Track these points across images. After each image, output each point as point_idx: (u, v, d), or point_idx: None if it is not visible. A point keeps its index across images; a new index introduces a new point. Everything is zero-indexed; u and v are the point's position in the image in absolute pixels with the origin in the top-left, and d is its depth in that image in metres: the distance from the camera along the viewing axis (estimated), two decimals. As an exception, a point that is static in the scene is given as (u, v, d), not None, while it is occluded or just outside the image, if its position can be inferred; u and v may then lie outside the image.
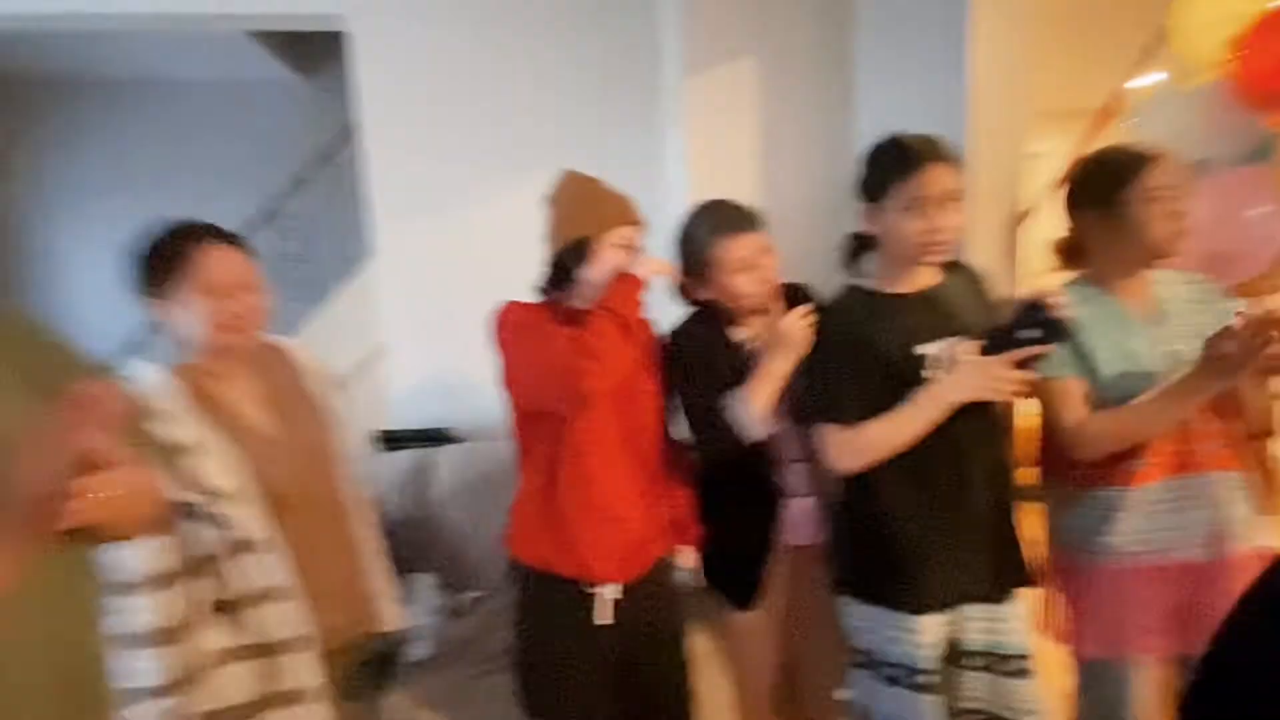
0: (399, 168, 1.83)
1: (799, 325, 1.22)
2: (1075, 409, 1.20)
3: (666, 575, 1.35)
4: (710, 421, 1.28)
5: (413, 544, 1.80)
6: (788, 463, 1.35)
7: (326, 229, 3.62)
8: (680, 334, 1.35)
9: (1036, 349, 1.07)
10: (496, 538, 1.32)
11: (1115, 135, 1.62)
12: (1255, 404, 2.70)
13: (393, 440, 1.81)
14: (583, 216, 1.23)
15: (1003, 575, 1.24)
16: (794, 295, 1.42)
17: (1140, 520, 1.21)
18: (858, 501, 1.25)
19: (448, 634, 1.71)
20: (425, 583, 1.77)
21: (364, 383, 2.19)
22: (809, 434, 1.26)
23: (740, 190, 1.47)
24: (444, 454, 1.80)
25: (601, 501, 1.24)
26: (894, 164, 1.15)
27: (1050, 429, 1.27)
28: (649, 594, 1.29)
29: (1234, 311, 1.19)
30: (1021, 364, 1.09)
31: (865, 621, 1.25)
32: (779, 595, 1.38)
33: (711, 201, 1.33)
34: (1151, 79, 1.66)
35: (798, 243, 1.48)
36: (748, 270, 1.27)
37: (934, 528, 1.19)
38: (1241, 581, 1.29)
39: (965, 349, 1.15)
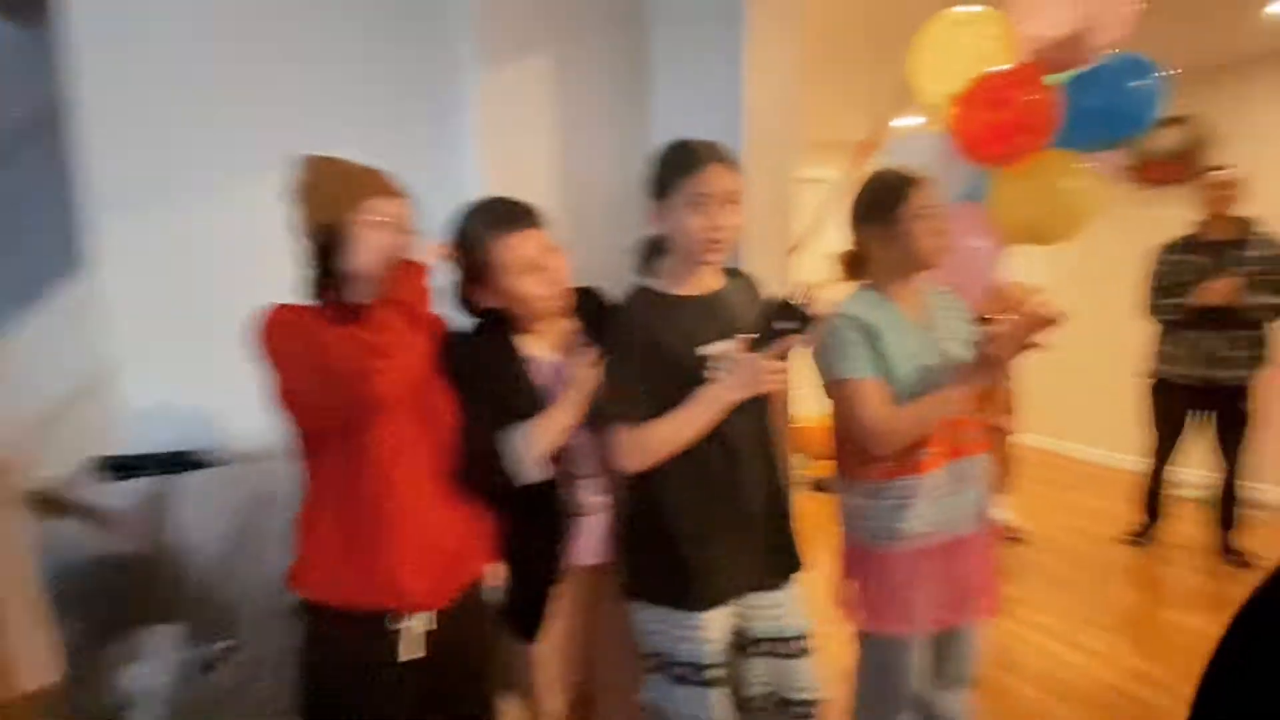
0: (123, 151, 1.47)
1: (591, 372, 1.21)
2: (877, 407, 1.29)
3: (479, 596, 1.26)
4: (481, 454, 1.19)
5: (147, 590, 1.50)
6: (581, 478, 1.32)
7: (39, 217, 2.95)
8: (459, 346, 1.25)
9: (793, 340, 1.16)
10: (256, 575, 1.13)
11: (872, 167, 1.81)
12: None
13: (124, 468, 1.50)
14: (329, 198, 1.09)
15: (781, 562, 1.33)
16: (587, 299, 1.40)
17: (929, 505, 1.34)
18: (641, 504, 1.26)
19: (193, 693, 1.44)
20: (164, 635, 1.48)
21: (90, 402, 1.78)
22: (604, 442, 1.24)
23: (536, 191, 1.42)
24: (188, 482, 1.51)
25: (409, 518, 1.11)
26: (679, 162, 1.20)
27: (848, 427, 1.35)
28: (462, 619, 1.18)
29: (982, 318, 1.41)
30: (783, 355, 1.17)
31: (655, 624, 1.26)
32: (573, 617, 1.35)
33: (487, 198, 1.25)
34: (903, 118, 1.89)
35: (597, 245, 1.47)
36: (533, 271, 1.21)
37: (714, 523, 1.24)
38: (990, 550, 1.49)
39: (738, 348, 1.21)
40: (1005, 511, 3.31)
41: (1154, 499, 3.14)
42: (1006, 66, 1.54)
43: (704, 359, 1.21)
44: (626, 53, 1.71)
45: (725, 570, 1.24)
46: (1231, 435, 2.82)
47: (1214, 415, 2.87)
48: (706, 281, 1.28)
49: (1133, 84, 1.45)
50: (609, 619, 1.38)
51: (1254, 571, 2.84)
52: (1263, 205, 2.84)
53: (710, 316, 1.25)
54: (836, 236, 1.53)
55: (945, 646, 1.44)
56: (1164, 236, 3.13)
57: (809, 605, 1.35)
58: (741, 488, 1.25)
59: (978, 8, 1.58)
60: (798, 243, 2.18)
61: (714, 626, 1.23)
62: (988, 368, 1.25)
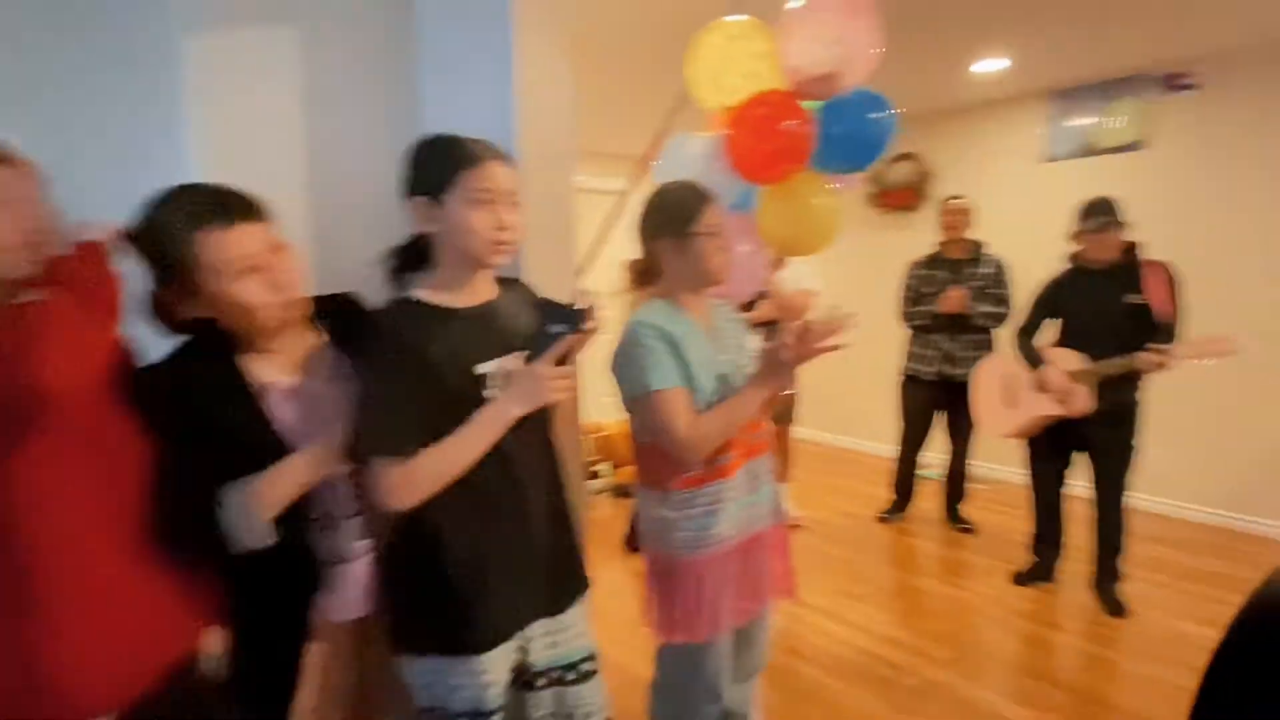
0: None
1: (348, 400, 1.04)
2: (685, 416, 1.28)
3: (193, 674, 1.02)
4: (186, 515, 0.98)
5: None
6: (339, 520, 1.15)
7: None
8: (158, 370, 1.02)
9: (568, 342, 1.09)
10: None
11: (655, 177, 1.84)
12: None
13: None
14: None
15: (567, 586, 1.26)
16: (338, 309, 1.23)
17: (734, 507, 1.37)
18: (410, 542, 1.11)
19: None
20: None
21: None
22: (366, 478, 1.07)
23: (277, 185, 1.21)
24: None
25: (78, 586, 0.85)
26: (455, 156, 1.08)
27: (656, 439, 1.32)
28: (167, 712, 0.94)
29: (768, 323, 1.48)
30: (562, 359, 1.11)
31: (428, 675, 1.13)
32: (333, 681, 1.17)
33: (188, 185, 1.03)
34: (681, 128, 1.94)
35: (353, 246, 1.29)
36: (253, 273, 1.01)
37: (495, 554, 1.13)
38: (784, 538, 1.53)
39: (516, 361, 1.13)
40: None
41: (904, 481, 3.62)
42: (773, 91, 1.64)
43: (483, 378, 1.11)
44: (390, 30, 1.55)
45: (507, 605, 1.15)
46: (962, 423, 3.33)
47: (949, 406, 3.38)
48: (481, 291, 1.17)
49: (872, 116, 1.62)
50: (376, 675, 1.22)
51: (979, 537, 3.39)
52: (984, 230, 3.40)
53: (488, 330, 1.14)
54: (623, 247, 1.52)
55: (743, 639, 1.49)
56: (906, 253, 3.65)
57: (596, 619, 1.31)
58: (525, 511, 1.16)
59: (745, 17, 1.66)
60: (588, 256, 2.17)
61: (495, 668, 1.13)
62: (782, 372, 1.29)
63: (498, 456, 1.10)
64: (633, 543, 3.15)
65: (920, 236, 4.19)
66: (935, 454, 3.61)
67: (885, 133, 1.63)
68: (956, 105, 4.22)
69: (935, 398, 3.40)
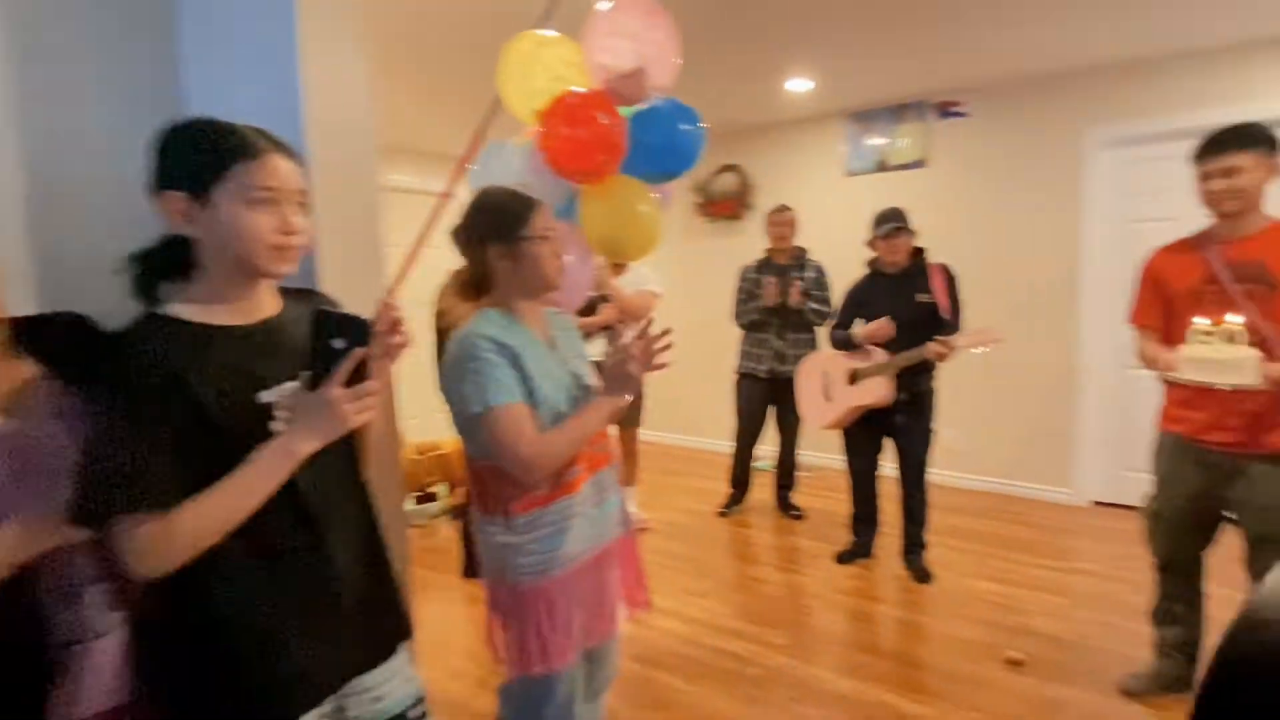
0: None
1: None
2: (528, 433, 1.20)
3: None
4: None
5: None
6: (81, 588, 0.94)
7: None
8: None
9: (356, 358, 0.95)
10: None
11: (473, 181, 1.73)
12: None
13: None
14: None
15: (384, 635, 1.12)
16: (61, 333, 1.00)
17: (582, 523, 1.31)
18: (175, 609, 0.91)
19: None
20: None
21: None
22: (105, 538, 0.85)
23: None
24: None
25: None
26: (231, 146, 0.90)
27: (492, 460, 1.23)
28: None
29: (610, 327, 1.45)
30: (356, 377, 0.95)
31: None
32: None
33: None
34: (497, 132, 1.85)
35: (82, 255, 1.06)
36: None
37: (286, 611, 0.96)
38: (635, 548, 1.49)
39: (290, 388, 0.97)
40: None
41: (741, 474, 3.79)
42: (584, 89, 1.62)
43: (268, 408, 0.94)
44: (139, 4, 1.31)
45: (311, 671, 0.98)
46: (790, 416, 3.54)
47: (779, 401, 3.59)
48: (261, 305, 1.00)
49: (683, 127, 1.66)
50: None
51: (808, 522, 3.64)
52: (800, 238, 3.64)
53: (270, 351, 0.97)
54: (441, 254, 1.40)
55: (594, 657, 1.43)
56: (734, 259, 3.83)
57: (432, 654, 1.18)
58: (325, 558, 1.00)
59: (555, 33, 1.63)
60: (406, 263, 2.00)
61: None
62: (628, 382, 1.26)
63: (288, 497, 0.94)
64: (470, 570, 2.98)
65: (747, 243, 4.44)
66: (769, 446, 3.82)
67: (695, 143, 1.68)
68: (773, 121, 4.53)
69: (767, 393, 3.60)
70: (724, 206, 4.82)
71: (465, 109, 3.27)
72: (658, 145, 1.63)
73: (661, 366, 1.29)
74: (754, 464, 3.81)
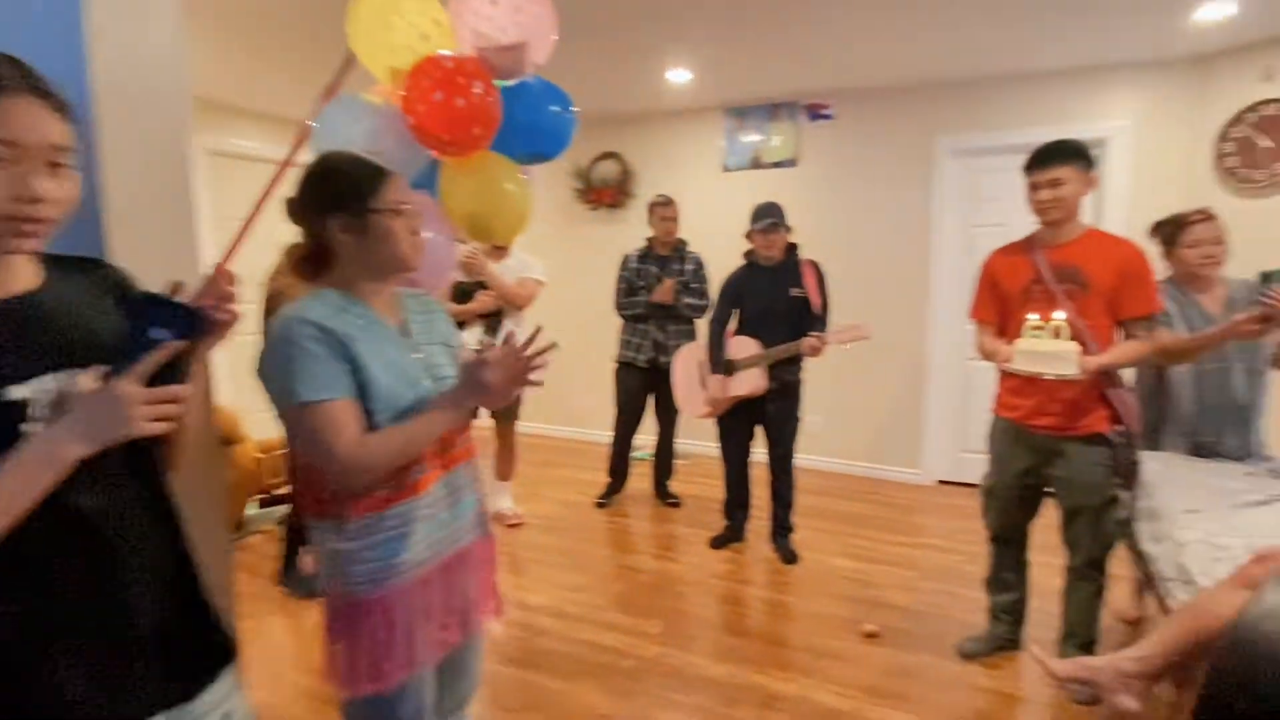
0: None
1: None
2: (349, 433, 1.06)
3: None
4: None
5: None
6: None
7: None
8: None
9: (171, 350, 0.81)
10: None
11: (316, 147, 1.54)
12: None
13: None
14: None
15: (196, 665, 0.95)
16: None
17: (429, 527, 1.18)
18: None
19: None
20: None
21: None
22: None
23: None
24: None
25: None
26: None
27: (315, 460, 1.08)
28: None
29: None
30: (167, 375, 0.81)
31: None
32: None
33: None
34: (347, 93, 1.66)
35: None
36: None
37: (66, 649, 0.80)
38: (490, 552, 1.38)
39: (88, 380, 0.80)
40: (506, 500, 3.51)
41: (619, 464, 3.78)
42: (456, 53, 1.49)
43: (20, 406, 0.76)
44: None
45: (95, 711, 0.82)
46: (668, 404, 3.56)
47: (658, 390, 3.60)
48: (13, 279, 0.82)
49: (553, 108, 1.58)
50: None
51: (684, 509, 3.68)
52: (683, 229, 3.64)
53: (22, 336, 0.78)
54: (283, 228, 1.22)
55: (451, 669, 1.31)
56: (615, 248, 3.79)
57: (269, 675, 1.02)
58: (118, 583, 0.83)
59: None
60: (237, 236, 1.77)
61: None
62: (482, 395, 1.13)
63: (65, 512, 0.77)
64: (289, 580, 2.64)
65: (628, 231, 4.41)
66: (647, 435, 3.83)
67: (566, 126, 1.61)
68: (655, 110, 4.53)
69: (646, 383, 3.60)
70: (604, 194, 4.77)
71: (316, 66, 2.98)
72: (527, 124, 1.53)
73: (532, 384, 1.17)
74: (633, 453, 3.80)
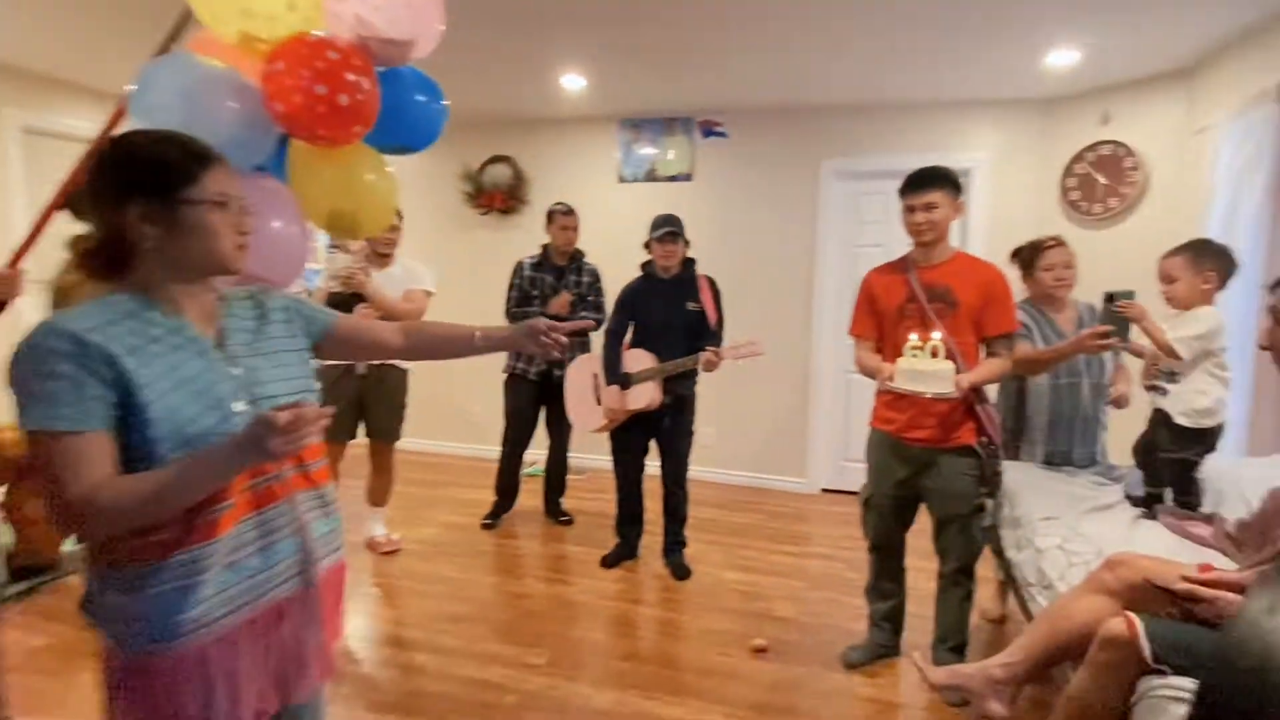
0: None
1: None
2: (88, 473, 0.86)
3: None
4: None
5: None
6: None
7: None
8: None
9: None
10: None
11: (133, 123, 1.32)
12: (384, 413, 3.07)
13: None
14: None
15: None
16: None
17: (227, 575, 0.97)
18: None
19: None
20: None
21: None
22: None
23: None
24: None
25: None
26: None
27: (47, 498, 0.88)
28: None
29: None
30: None
31: None
32: None
33: None
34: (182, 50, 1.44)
35: None
36: None
37: None
38: (331, 599, 1.10)
39: None
40: (379, 526, 3.24)
41: (508, 481, 3.60)
42: (333, 36, 1.32)
43: None
44: None
45: None
46: (560, 418, 3.42)
47: (550, 403, 3.46)
48: None
49: (419, 98, 1.45)
50: None
51: (577, 527, 3.56)
52: (579, 239, 3.53)
53: None
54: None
55: None
56: (506, 255, 3.63)
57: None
58: None
59: None
60: (37, 225, 1.50)
61: None
62: (261, 454, 0.88)
63: None
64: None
65: (522, 238, 4.26)
66: (539, 451, 3.68)
67: (435, 119, 1.50)
68: (549, 116, 4.41)
69: (538, 396, 3.46)
70: (496, 198, 4.59)
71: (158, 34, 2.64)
72: (395, 114, 1.39)
73: (294, 454, 0.96)
74: (523, 469, 3.64)
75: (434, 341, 1.31)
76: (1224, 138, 2.82)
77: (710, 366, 2.77)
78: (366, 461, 3.17)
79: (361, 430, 3.10)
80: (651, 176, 4.38)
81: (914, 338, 1.95)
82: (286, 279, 1.40)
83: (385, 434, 3.13)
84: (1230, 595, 1.28)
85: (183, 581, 0.94)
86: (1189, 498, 2.05)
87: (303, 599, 1.08)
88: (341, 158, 1.35)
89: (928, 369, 1.90)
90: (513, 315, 3.43)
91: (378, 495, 3.21)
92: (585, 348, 3.42)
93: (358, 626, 2.58)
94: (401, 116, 1.42)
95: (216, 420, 0.95)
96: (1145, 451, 2.15)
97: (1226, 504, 2.03)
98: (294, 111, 1.29)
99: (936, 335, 1.93)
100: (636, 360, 2.92)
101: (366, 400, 3.02)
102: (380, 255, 2.99)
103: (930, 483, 2.13)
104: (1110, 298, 2.02)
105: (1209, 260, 2.07)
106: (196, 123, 1.18)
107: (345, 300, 2.90)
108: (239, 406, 0.98)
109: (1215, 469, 2.13)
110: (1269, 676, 1.05)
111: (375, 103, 1.34)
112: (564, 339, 1.24)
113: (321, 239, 3.27)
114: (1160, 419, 2.10)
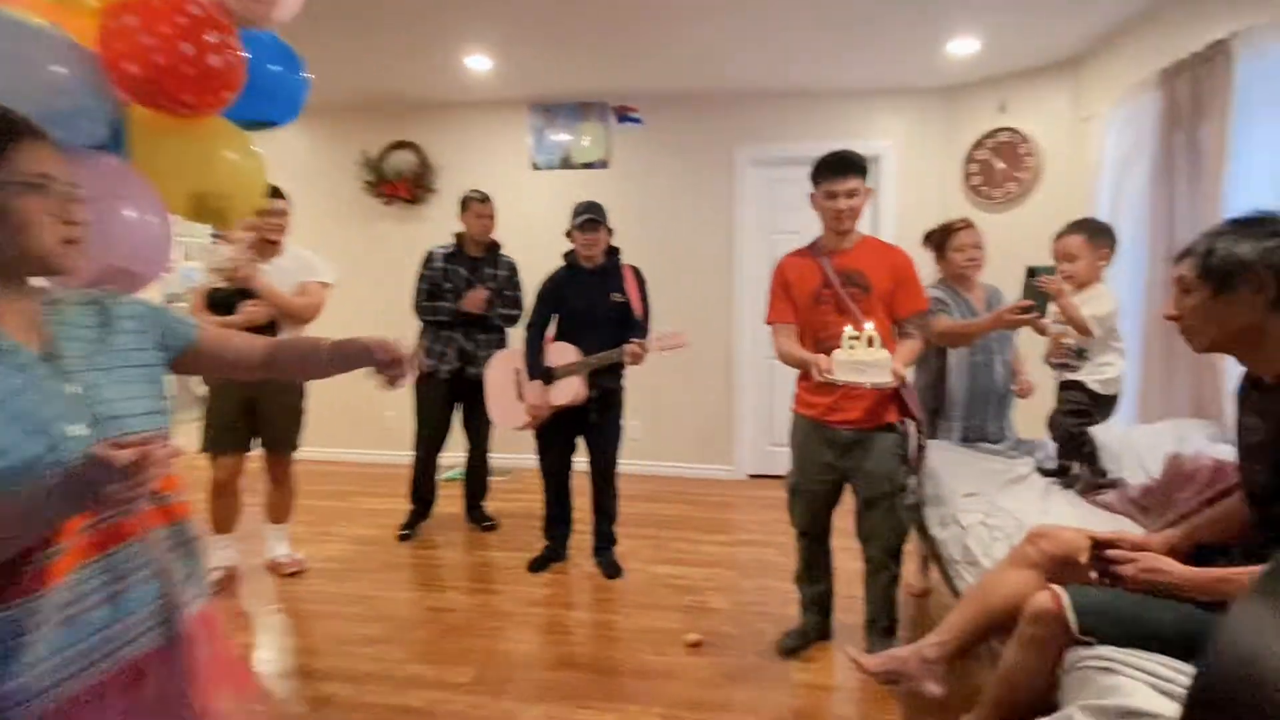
0: None
1: None
2: None
3: None
4: None
5: None
6: None
7: None
8: None
9: None
10: None
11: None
12: (280, 421, 2.79)
13: None
14: None
15: None
16: None
17: (64, 633, 0.80)
18: None
19: None
20: None
21: None
22: None
23: None
24: None
25: None
26: None
27: None
28: None
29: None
30: None
31: None
32: None
33: None
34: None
35: None
36: None
37: None
38: (202, 648, 0.89)
39: None
40: (282, 545, 2.98)
41: (423, 486, 3.39)
42: None
43: None
44: None
45: None
46: (478, 418, 3.25)
47: (466, 403, 3.27)
48: None
49: (274, 67, 1.29)
50: None
51: (501, 531, 3.40)
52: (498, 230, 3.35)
53: None
54: None
55: None
56: (411, 246, 3.39)
57: None
58: None
59: None
60: None
61: None
62: (93, 497, 0.73)
63: None
64: None
65: (429, 229, 4.02)
66: (457, 454, 3.49)
67: (294, 92, 1.35)
68: (455, 100, 4.18)
69: (451, 395, 3.27)
70: (400, 187, 4.32)
71: None
72: (255, 84, 1.22)
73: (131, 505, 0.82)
74: (440, 474, 3.44)
75: (294, 358, 1.16)
76: (1108, 125, 2.99)
77: (636, 359, 2.69)
78: (263, 475, 2.89)
79: (257, 441, 2.82)
80: (566, 163, 4.24)
81: (849, 329, 1.93)
82: (147, 274, 1.19)
83: (282, 444, 2.86)
84: (1150, 555, 1.32)
85: (7, 642, 0.76)
86: (1095, 465, 2.15)
87: (168, 653, 0.92)
88: (195, 132, 1.15)
89: (868, 359, 1.88)
90: (421, 309, 3.22)
91: (278, 511, 2.94)
92: (501, 344, 3.26)
93: (258, 660, 2.33)
94: (264, 88, 1.24)
95: (43, 448, 0.77)
96: (1059, 425, 2.24)
97: (1125, 469, 2.14)
98: (154, 75, 1.09)
99: (869, 326, 1.91)
100: (560, 354, 2.80)
101: (260, 407, 2.74)
102: (268, 243, 2.71)
103: (855, 464, 2.13)
104: (1032, 272, 2.07)
105: (1102, 238, 2.17)
106: (9, 89, 0.98)
107: (230, 297, 2.62)
108: (76, 430, 0.81)
109: (1112, 435, 2.25)
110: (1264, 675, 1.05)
111: (242, 64, 1.16)
112: (404, 373, 1.11)
113: (200, 230, 2.94)
114: (1073, 386, 2.18)
